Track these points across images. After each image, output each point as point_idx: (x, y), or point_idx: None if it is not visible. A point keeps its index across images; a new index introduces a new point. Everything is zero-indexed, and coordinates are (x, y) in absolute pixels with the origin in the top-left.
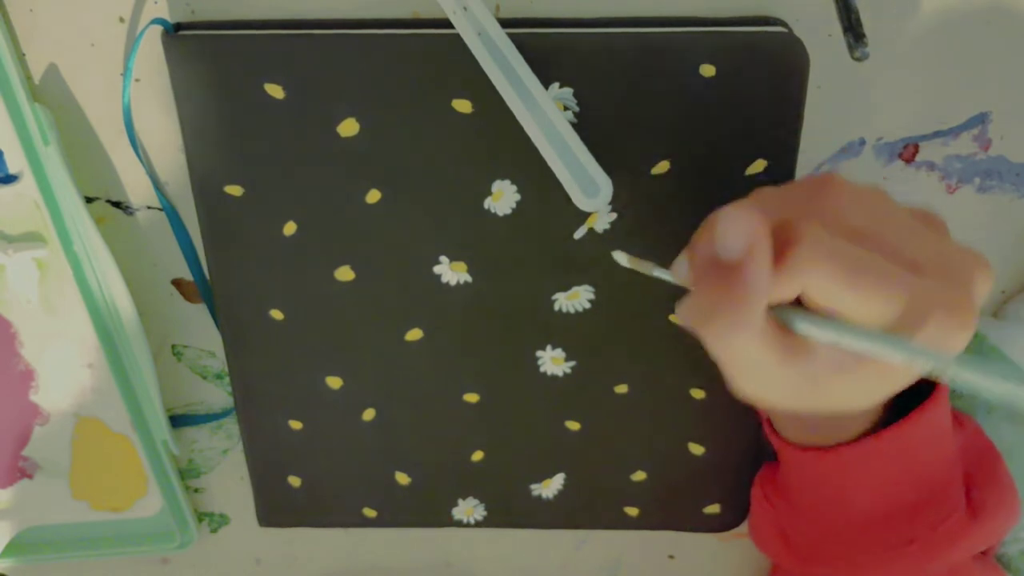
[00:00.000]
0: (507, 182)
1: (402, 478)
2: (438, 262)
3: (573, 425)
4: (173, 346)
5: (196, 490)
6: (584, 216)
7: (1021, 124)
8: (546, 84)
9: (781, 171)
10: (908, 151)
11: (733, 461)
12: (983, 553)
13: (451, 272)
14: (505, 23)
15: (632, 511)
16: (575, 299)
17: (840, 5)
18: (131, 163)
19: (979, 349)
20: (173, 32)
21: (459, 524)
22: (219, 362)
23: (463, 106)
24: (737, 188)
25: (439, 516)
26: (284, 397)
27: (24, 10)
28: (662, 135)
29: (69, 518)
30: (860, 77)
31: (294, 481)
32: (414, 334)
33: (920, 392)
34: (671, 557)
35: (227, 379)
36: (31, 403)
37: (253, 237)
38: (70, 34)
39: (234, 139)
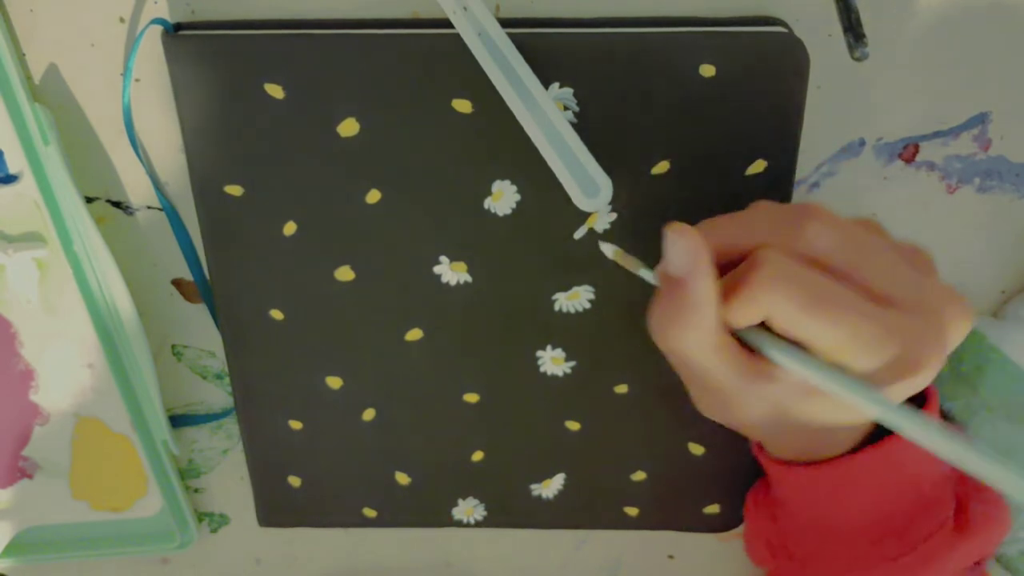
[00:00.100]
0: (507, 182)
1: (402, 478)
2: (438, 262)
3: (573, 425)
4: (173, 346)
5: (196, 490)
6: (584, 216)
7: (1021, 124)
8: (546, 84)
9: (781, 171)
10: (908, 151)
11: (733, 461)
12: (976, 563)
13: (451, 272)
14: (505, 23)
15: (632, 511)
16: (575, 299)
17: (840, 5)
18: (131, 163)
19: (979, 349)
20: (173, 32)
21: (459, 524)
22: (219, 362)
23: (463, 106)
24: (737, 188)
25: (439, 516)
26: (284, 397)
27: (24, 10)
28: (662, 135)
29: (69, 518)
30: (860, 77)
31: (294, 481)
32: (414, 334)
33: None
34: (671, 557)
35: (227, 379)
36: (31, 403)
37: (253, 237)
38: (70, 34)
39: (234, 139)
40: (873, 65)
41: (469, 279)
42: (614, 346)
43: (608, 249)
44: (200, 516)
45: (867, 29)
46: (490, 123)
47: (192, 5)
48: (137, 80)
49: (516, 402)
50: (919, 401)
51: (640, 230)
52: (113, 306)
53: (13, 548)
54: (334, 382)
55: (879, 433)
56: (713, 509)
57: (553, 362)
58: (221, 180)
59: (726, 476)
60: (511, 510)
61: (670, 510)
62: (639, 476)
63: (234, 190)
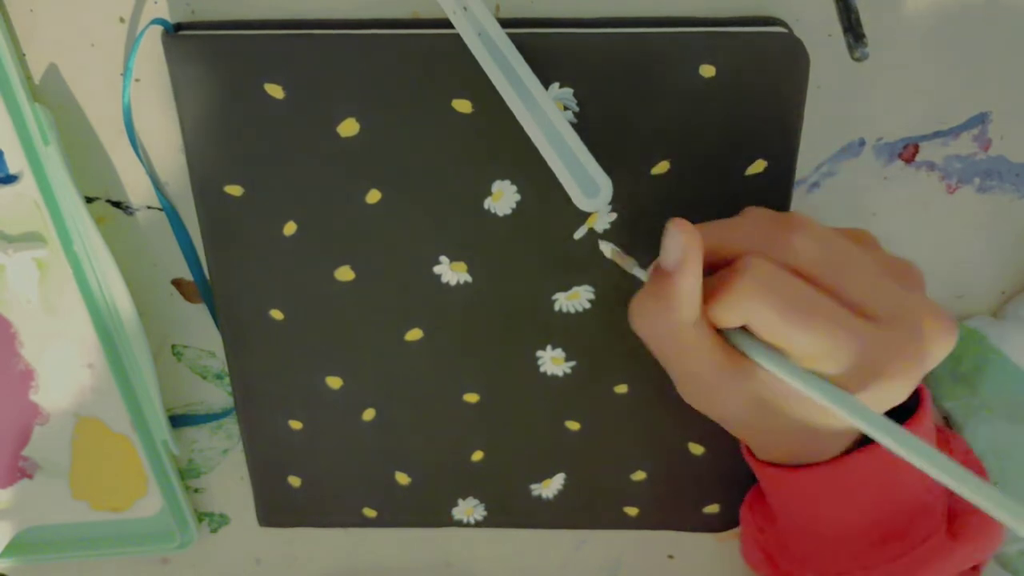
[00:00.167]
0: (507, 182)
1: (402, 478)
2: (438, 262)
3: (573, 425)
4: (173, 346)
5: (196, 490)
6: (584, 216)
7: (1021, 124)
8: (546, 84)
9: (781, 171)
10: (908, 151)
11: (733, 461)
12: (973, 569)
13: (451, 272)
14: (505, 23)
15: (632, 511)
16: (575, 299)
17: (840, 5)
18: (131, 163)
19: (979, 349)
20: (173, 32)
21: (459, 524)
22: (219, 362)
23: (463, 106)
24: (737, 188)
25: (439, 516)
26: (284, 397)
27: (24, 10)
28: (662, 135)
29: (69, 518)
30: (860, 77)
31: (294, 481)
32: (414, 334)
33: (907, 406)
34: (671, 557)
35: (227, 379)
36: (31, 403)
37: (253, 237)
38: (70, 34)
39: (234, 139)
40: (873, 65)
41: (469, 279)
42: (614, 346)
43: (607, 248)
44: (200, 516)
45: (867, 29)
46: (490, 123)
47: (192, 5)
48: (137, 80)
49: (516, 402)
50: (913, 404)
51: (640, 230)
52: (113, 306)
53: (13, 548)
54: (334, 382)
55: (868, 439)
56: (713, 509)
57: (553, 362)
58: (221, 180)
59: (726, 476)
60: (511, 510)
61: (670, 510)
62: (639, 476)
63: (234, 190)
